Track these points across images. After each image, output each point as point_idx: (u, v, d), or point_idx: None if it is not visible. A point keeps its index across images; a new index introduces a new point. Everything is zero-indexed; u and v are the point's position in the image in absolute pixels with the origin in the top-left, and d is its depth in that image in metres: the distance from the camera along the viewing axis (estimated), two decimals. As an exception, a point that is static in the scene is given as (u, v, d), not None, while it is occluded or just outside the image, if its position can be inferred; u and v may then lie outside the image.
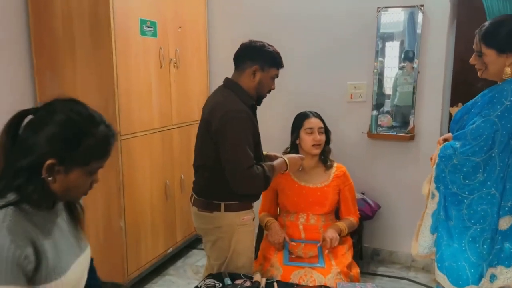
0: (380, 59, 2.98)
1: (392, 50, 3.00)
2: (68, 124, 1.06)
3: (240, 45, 1.95)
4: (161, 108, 2.84)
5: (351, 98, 3.10)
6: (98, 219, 2.56)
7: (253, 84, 1.91)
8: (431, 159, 1.84)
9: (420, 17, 2.83)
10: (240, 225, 1.91)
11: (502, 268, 1.64)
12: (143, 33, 2.61)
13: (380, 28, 2.94)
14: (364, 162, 3.11)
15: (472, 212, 1.65)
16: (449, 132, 1.91)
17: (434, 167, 1.77)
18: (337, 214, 2.47)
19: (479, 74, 1.71)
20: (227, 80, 1.97)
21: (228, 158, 1.79)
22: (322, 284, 1.97)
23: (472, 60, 1.71)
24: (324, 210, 2.34)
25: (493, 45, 1.62)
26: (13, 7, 2.49)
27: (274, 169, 1.91)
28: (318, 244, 2.19)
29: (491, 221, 1.63)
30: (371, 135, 3.02)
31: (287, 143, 2.46)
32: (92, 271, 1.32)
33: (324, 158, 2.41)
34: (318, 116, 2.42)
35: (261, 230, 2.53)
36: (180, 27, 2.99)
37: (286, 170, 2.02)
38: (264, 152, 2.05)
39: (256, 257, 2.26)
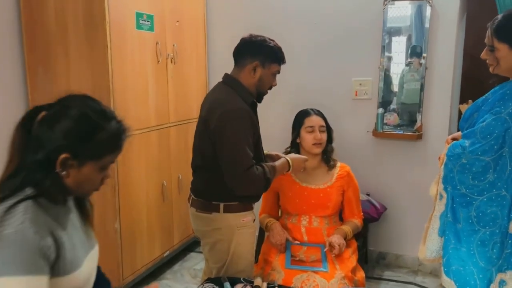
0: (386, 54, 2.97)
1: (399, 45, 2.99)
2: (81, 119, 1.12)
3: (240, 40, 1.95)
4: (158, 105, 2.84)
5: (356, 95, 3.09)
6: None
7: (254, 81, 1.91)
8: (439, 158, 1.83)
9: (428, 10, 2.82)
10: (240, 227, 1.91)
11: (512, 274, 1.64)
12: (139, 27, 2.61)
13: (386, 22, 2.93)
14: (369, 162, 3.11)
15: (481, 214, 1.64)
16: (458, 130, 1.90)
17: (442, 167, 1.77)
18: (340, 215, 2.47)
19: (490, 69, 1.71)
20: (226, 76, 1.97)
21: (227, 158, 1.79)
22: (325, 288, 1.97)
23: (484, 55, 1.70)
24: (327, 212, 2.34)
25: (506, 39, 1.61)
26: (4, 0, 2.49)
27: (276, 170, 1.91)
28: (325, 249, 2.19)
29: (501, 224, 1.63)
30: (376, 133, 3.02)
31: (288, 142, 2.46)
32: (98, 269, 1.37)
33: (327, 157, 2.41)
34: (319, 113, 2.41)
35: (262, 232, 2.53)
36: (178, 21, 2.99)
37: (288, 171, 2.02)
38: (265, 151, 2.05)
39: (256, 261, 2.26)
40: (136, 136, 2.66)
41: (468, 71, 2.95)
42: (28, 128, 1.13)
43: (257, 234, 2.43)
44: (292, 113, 2.50)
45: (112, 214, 2.53)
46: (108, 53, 2.39)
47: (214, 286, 1.80)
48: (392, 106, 3.05)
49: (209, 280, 1.89)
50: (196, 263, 3.22)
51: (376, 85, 3.01)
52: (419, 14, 2.88)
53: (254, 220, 1.99)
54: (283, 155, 2.09)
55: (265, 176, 1.82)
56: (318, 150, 2.35)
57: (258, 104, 2.00)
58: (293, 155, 2.09)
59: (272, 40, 1.94)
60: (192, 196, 2.00)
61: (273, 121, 3.15)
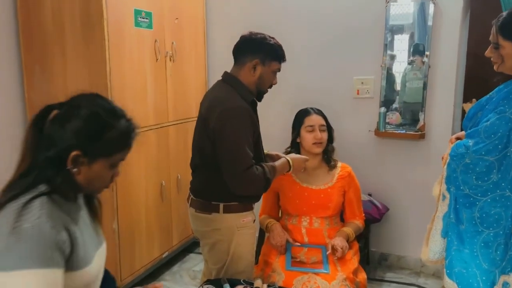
0: (389, 52, 2.97)
1: (401, 43, 2.99)
2: (92, 117, 1.17)
3: (240, 38, 1.95)
4: (157, 104, 2.84)
5: (358, 94, 3.09)
6: (89, 221, 2.56)
7: (254, 79, 1.91)
8: (442, 158, 1.83)
9: (431, 8, 2.82)
10: (240, 227, 1.91)
11: (516, 276, 1.64)
12: (137, 24, 2.61)
13: (389, 20, 2.93)
14: (371, 162, 3.11)
15: (484, 215, 1.64)
16: (461, 130, 1.90)
17: (445, 166, 1.77)
18: (341, 216, 2.47)
19: (495, 67, 1.71)
20: (226, 74, 1.97)
21: (226, 157, 1.79)
22: (327, 290, 1.97)
23: (488, 52, 1.70)
24: (328, 213, 2.34)
25: (511, 36, 1.61)
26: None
27: (276, 170, 1.91)
28: (328, 252, 2.19)
29: (505, 225, 1.62)
30: (378, 133, 3.02)
31: (288, 141, 2.46)
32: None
33: (328, 157, 2.41)
34: (319, 113, 2.41)
35: (262, 233, 2.54)
36: (177, 19, 2.99)
37: (289, 171, 2.02)
38: (265, 151, 2.05)
39: (256, 262, 2.27)
40: (135, 135, 2.65)
41: (471, 69, 2.95)
42: (40, 126, 1.18)
43: (257, 235, 2.43)
44: (292, 112, 2.50)
45: (110, 214, 2.53)
46: (106, 51, 2.38)
47: (214, 287, 1.80)
48: (395, 105, 3.04)
49: (208, 281, 1.89)
50: (195, 264, 3.22)
51: (378, 84, 3.01)
52: (422, 11, 2.88)
53: (254, 220, 1.99)
54: (283, 155, 2.09)
55: (265, 176, 1.82)
56: (319, 149, 2.35)
57: (258, 103, 2.00)
58: (293, 155, 2.09)
59: (272, 38, 1.94)
60: (192, 196, 2.00)
61: (273, 120, 3.15)
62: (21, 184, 1.14)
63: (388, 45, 2.96)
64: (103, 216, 1.35)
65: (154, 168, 2.87)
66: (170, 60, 2.94)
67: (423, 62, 2.90)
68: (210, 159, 1.85)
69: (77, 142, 1.15)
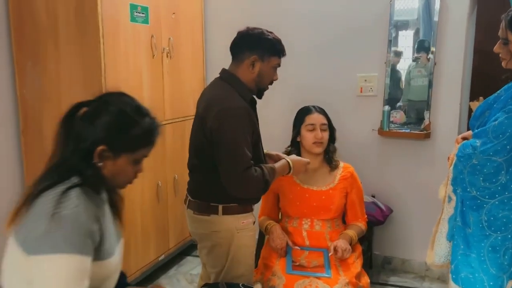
0: (393, 49, 2.97)
1: (406, 39, 2.99)
2: (119, 114, 1.29)
3: (237, 34, 1.94)
4: (153, 102, 2.83)
5: (361, 91, 3.08)
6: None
7: (253, 76, 1.90)
8: (448, 159, 1.83)
9: (437, 3, 2.81)
10: (240, 230, 1.91)
11: (524, 281, 1.64)
12: (133, 19, 2.60)
13: (393, 16, 2.92)
14: (374, 162, 3.10)
15: (492, 218, 1.64)
16: (468, 129, 1.90)
17: (452, 168, 1.76)
18: (343, 218, 2.46)
19: (503, 64, 1.70)
20: (224, 71, 1.96)
21: (224, 158, 1.78)
22: (328, 295, 1.97)
23: (497, 48, 1.69)
24: (329, 215, 2.33)
25: None
26: (-9, -9, 2.48)
27: (275, 172, 1.90)
28: (330, 253, 2.18)
29: (514, 228, 1.62)
30: (382, 132, 3.01)
31: (289, 141, 2.45)
32: None
33: (329, 158, 2.40)
34: (321, 111, 2.40)
35: (261, 235, 2.53)
36: (174, 13, 2.98)
37: (289, 173, 2.01)
38: (265, 150, 2.04)
39: (256, 265, 2.26)
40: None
41: (478, 66, 2.94)
42: (71, 122, 1.30)
43: (257, 237, 2.42)
44: (293, 111, 2.49)
45: (104, 216, 2.52)
46: (100, 47, 2.37)
47: (212, 292, 1.80)
48: (399, 103, 3.04)
49: (206, 285, 1.89)
50: (192, 268, 3.22)
51: (382, 81, 3.01)
52: (427, 7, 2.87)
53: (254, 222, 1.98)
54: (284, 155, 2.08)
55: (263, 178, 1.81)
56: (319, 149, 2.34)
57: (258, 101, 1.99)
58: (294, 156, 2.08)
59: (271, 32, 1.93)
60: (189, 197, 1.99)
61: (273, 119, 3.14)
62: (55, 175, 1.25)
63: (392, 41, 2.96)
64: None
65: (150, 168, 2.86)
66: (167, 56, 2.93)
67: (428, 59, 2.89)
68: (208, 159, 1.84)
69: (104, 137, 1.26)
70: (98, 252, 1.25)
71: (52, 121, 2.52)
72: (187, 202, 2.01)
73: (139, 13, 2.64)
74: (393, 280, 3.07)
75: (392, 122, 3.01)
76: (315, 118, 2.35)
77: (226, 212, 1.88)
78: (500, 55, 1.70)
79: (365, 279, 2.23)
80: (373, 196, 3.04)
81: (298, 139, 2.40)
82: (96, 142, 1.26)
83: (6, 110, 2.58)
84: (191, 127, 1.99)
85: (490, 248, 1.65)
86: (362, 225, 2.40)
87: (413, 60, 2.97)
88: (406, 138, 3.01)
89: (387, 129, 2.99)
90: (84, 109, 1.31)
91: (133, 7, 2.59)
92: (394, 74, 3.01)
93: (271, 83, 1.98)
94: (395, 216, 3.09)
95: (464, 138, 1.82)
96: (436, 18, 2.83)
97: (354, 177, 2.42)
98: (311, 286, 2.03)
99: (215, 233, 1.91)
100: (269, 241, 2.33)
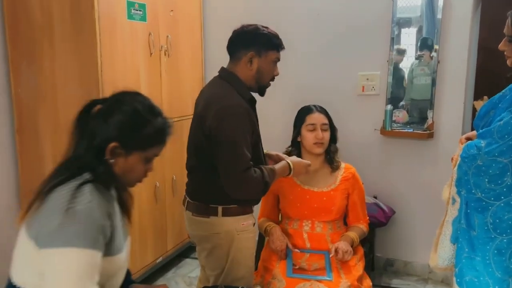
0: (395, 47, 2.96)
1: (409, 37, 2.98)
2: (133, 113, 1.34)
3: (232, 33, 1.95)
4: (151, 101, 2.83)
5: (363, 90, 3.08)
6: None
7: (252, 73, 1.90)
8: (452, 159, 1.82)
9: (440, 0, 2.81)
10: (240, 231, 1.91)
11: (530, 285, 1.63)
12: (130, 17, 2.60)
13: (396, 13, 2.92)
14: (376, 163, 3.10)
15: (498, 220, 1.63)
16: (472, 129, 1.89)
17: (456, 168, 1.76)
18: (344, 220, 2.46)
19: (508, 62, 1.70)
20: (222, 70, 1.96)
21: (222, 158, 1.78)
22: (330, 298, 1.97)
23: (502, 45, 1.69)
24: (331, 217, 2.33)
25: None
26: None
27: (275, 173, 1.89)
28: (331, 255, 2.18)
29: (520, 231, 1.62)
30: (384, 132, 3.01)
31: (290, 141, 2.45)
32: None
33: (330, 158, 2.40)
34: (322, 111, 2.40)
35: (261, 237, 2.52)
36: (172, 11, 2.97)
37: (289, 175, 2.01)
38: (264, 150, 2.04)
39: (256, 268, 2.26)
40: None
41: (483, 64, 2.94)
42: (85, 120, 1.35)
43: (256, 238, 2.42)
44: (293, 110, 2.49)
45: (101, 217, 2.52)
46: (97, 45, 2.37)
47: (211, 295, 1.80)
48: (402, 102, 3.03)
49: (205, 288, 1.88)
50: (191, 270, 3.22)
51: (385, 80, 3.00)
52: (430, 4, 2.87)
53: (254, 224, 1.98)
54: (284, 155, 2.08)
55: (263, 179, 1.80)
56: (319, 150, 2.34)
57: (258, 101, 1.99)
58: (295, 158, 2.07)
59: (266, 27, 1.93)
60: (188, 198, 1.99)
61: (273, 119, 3.14)
62: (67, 171, 1.30)
63: (395, 39, 2.95)
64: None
65: (148, 168, 2.86)
66: (165, 54, 2.92)
67: (432, 57, 2.89)
68: (207, 159, 1.84)
69: (117, 134, 1.31)
70: (108, 248, 1.29)
71: (47, 120, 2.53)
72: (185, 204, 2.00)
73: (137, 10, 2.64)
74: (396, 282, 3.07)
75: (394, 121, 3.01)
76: (316, 118, 2.35)
77: (225, 213, 1.88)
78: (505, 53, 1.70)
79: (367, 282, 2.23)
80: (375, 197, 3.03)
81: (299, 139, 2.39)
82: (109, 139, 1.31)
83: (0, 109, 2.57)
84: (189, 126, 1.99)
85: (495, 251, 1.64)
86: (363, 227, 2.40)
87: (416, 58, 2.97)
88: (408, 138, 3.00)
89: (390, 129, 2.99)
90: (98, 106, 1.36)
91: (131, 4, 2.58)
92: (396, 73, 3.00)
93: (272, 79, 1.97)
94: (398, 218, 3.08)
95: (468, 138, 1.82)
96: (439, 15, 2.82)
97: (355, 178, 2.41)
98: (312, 289, 2.03)
99: (215, 235, 1.90)
100: (269, 243, 2.32)
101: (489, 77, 2.90)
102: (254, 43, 1.88)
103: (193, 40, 3.27)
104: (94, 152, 1.31)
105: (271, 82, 1.99)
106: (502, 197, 1.63)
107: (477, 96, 2.93)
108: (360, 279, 2.17)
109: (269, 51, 1.90)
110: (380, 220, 2.87)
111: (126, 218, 1.49)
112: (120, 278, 1.43)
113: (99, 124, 1.33)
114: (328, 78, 3.13)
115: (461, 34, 2.82)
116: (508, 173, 1.60)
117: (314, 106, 2.42)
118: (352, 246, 2.25)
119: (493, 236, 1.64)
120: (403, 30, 2.97)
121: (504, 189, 1.62)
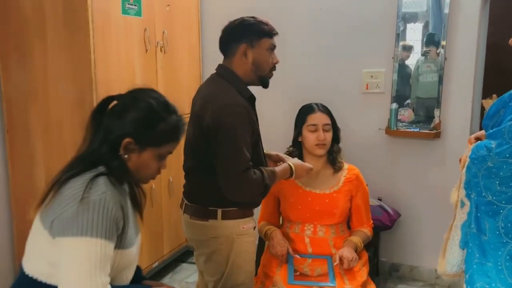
0: (401, 43, 2.95)
1: (415, 33, 2.97)
2: (147, 109, 1.40)
3: (221, 31, 1.96)
4: (146, 99, 2.82)
5: (367, 88, 3.07)
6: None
7: (249, 66, 1.90)
8: (460, 160, 1.81)
9: (448, -6, 2.80)
10: (240, 235, 1.90)
11: (544, 291, 1.62)
12: (125, 11, 2.59)
13: (401, 7, 2.91)
14: (381, 163, 3.09)
15: (510, 225, 1.62)
16: (481, 129, 1.88)
17: (464, 170, 1.74)
18: (347, 223, 2.45)
19: None
20: (220, 67, 1.96)
21: (221, 158, 1.77)
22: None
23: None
24: (333, 220, 2.32)
25: None
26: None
27: (276, 176, 1.88)
28: (335, 263, 2.16)
29: (534, 236, 1.61)
30: (389, 131, 3.00)
31: (291, 141, 2.44)
32: None
33: (333, 159, 2.38)
34: (324, 110, 2.38)
35: (261, 241, 2.51)
36: (168, 5, 2.97)
37: (290, 178, 2.00)
38: (264, 151, 2.03)
39: (255, 273, 2.25)
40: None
41: (492, 61, 2.94)
42: (100, 115, 1.41)
43: (257, 242, 2.41)
44: (295, 109, 2.48)
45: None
46: (90, 41, 2.36)
47: (209, 302, 1.80)
48: (407, 100, 3.02)
49: (203, 295, 1.87)
50: (188, 276, 3.21)
51: (390, 77, 2.99)
52: (437, -2, 2.86)
53: (254, 227, 1.97)
54: (285, 156, 2.07)
55: (263, 181, 1.79)
56: (321, 151, 2.33)
57: (258, 99, 1.98)
58: (297, 160, 2.07)
59: (253, 17, 1.93)
60: (185, 201, 1.98)
61: (274, 118, 3.13)
62: (82, 164, 1.36)
63: (400, 35, 2.94)
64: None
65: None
66: (161, 50, 2.92)
67: (438, 54, 2.88)
68: (205, 160, 1.83)
69: (132, 130, 1.37)
70: (120, 241, 1.34)
71: (39, 119, 2.52)
72: (183, 207, 1.99)
73: (131, 5, 2.63)
74: (401, 288, 3.07)
75: (400, 120, 3.00)
76: (318, 118, 2.33)
77: (225, 216, 1.87)
78: None
79: (372, 288, 2.22)
80: (380, 199, 3.03)
81: (300, 140, 2.38)
82: (123, 135, 1.37)
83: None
84: (186, 126, 1.98)
85: (508, 257, 1.63)
86: (367, 231, 2.39)
87: (422, 55, 2.96)
88: (414, 138, 3.00)
89: (395, 128, 2.98)
90: (115, 102, 1.43)
91: (125, -2, 2.58)
92: (402, 70, 2.99)
93: (273, 68, 1.96)
94: (403, 221, 3.08)
95: (477, 138, 1.81)
96: (446, 10, 2.81)
97: (359, 179, 2.40)
98: (315, 296, 2.03)
99: (214, 239, 1.89)
100: (269, 247, 2.31)
101: (498, 74, 2.90)
102: (244, 35, 1.88)
103: (190, 36, 3.26)
104: (109, 147, 1.37)
105: (273, 72, 1.97)
106: None
107: (486, 94, 2.91)
108: (364, 285, 2.16)
109: (262, 39, 1.90)
110: (385, 223, 2.86)
111: (137, 215, 1.53)
112: (130, 273, 1.48)
113: (114, 120, 1.39)
114: (331, 75, 3.13)
115: (469, 29, 2.81)
116: (520, 175, 1.59)
117: (316, 104, 2.40)
118: (355, 251, 2.24)
119: (505, 240, 1.63)
120: (409, 26, 2.97)
121: (517, 192, 1.61)
